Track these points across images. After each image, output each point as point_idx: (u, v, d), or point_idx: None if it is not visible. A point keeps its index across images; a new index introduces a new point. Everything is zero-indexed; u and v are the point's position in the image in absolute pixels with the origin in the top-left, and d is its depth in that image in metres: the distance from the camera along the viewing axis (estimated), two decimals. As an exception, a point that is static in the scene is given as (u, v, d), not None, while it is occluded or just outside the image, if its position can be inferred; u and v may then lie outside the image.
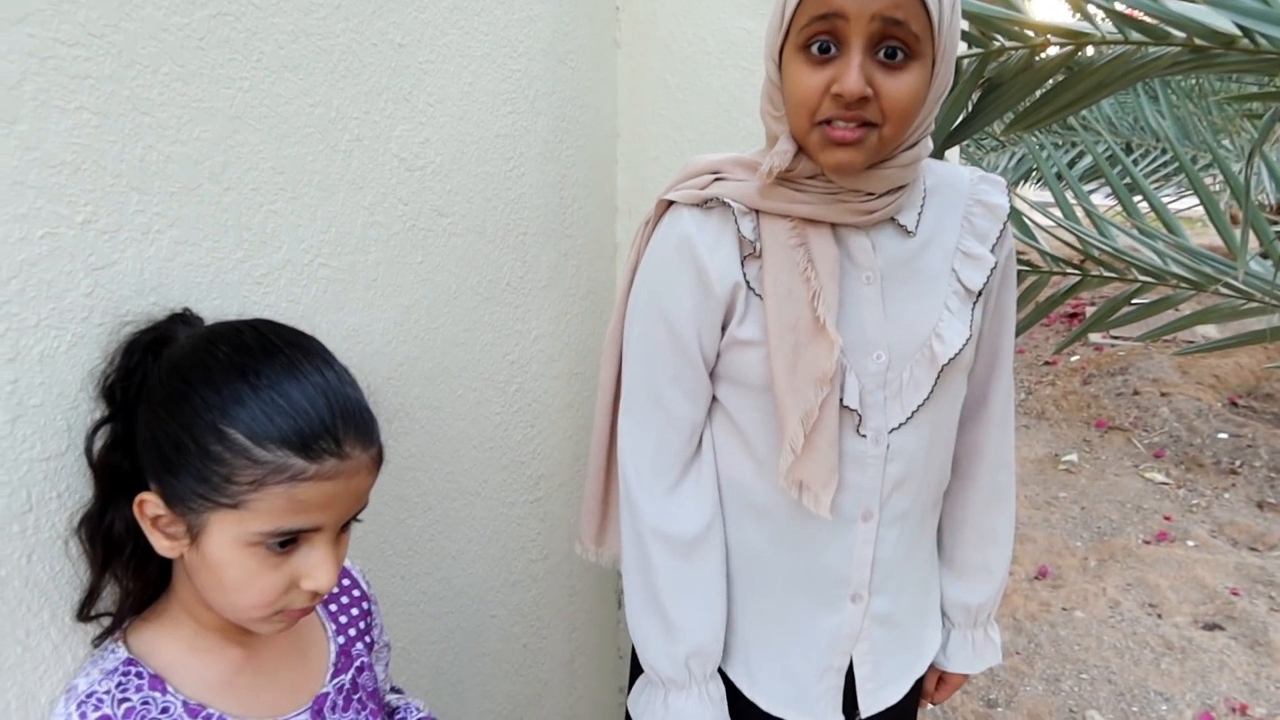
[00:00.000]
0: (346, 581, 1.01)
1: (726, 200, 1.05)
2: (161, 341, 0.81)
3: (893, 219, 1.07)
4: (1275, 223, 1.73)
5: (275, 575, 0.77)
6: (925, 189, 1.10)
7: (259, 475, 0.73)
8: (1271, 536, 3.51)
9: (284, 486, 0.74)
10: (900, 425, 1.08)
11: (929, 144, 1.04)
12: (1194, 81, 5.39)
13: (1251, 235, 1.81)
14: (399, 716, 1.04)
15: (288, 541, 0.76)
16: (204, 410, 0.74)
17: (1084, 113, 4.68)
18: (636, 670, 1.32)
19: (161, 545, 0.78)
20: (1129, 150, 4.94)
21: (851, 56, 0.91)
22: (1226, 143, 4.15)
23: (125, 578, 0.82)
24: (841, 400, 1.05)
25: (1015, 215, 1.97)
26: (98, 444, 0.80)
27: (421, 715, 1.05)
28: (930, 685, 1.31)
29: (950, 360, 1.07)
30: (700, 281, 1.06)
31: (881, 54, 0.92)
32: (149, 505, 0.77)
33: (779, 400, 1.04)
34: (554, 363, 1.54)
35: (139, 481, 0.78)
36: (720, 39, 1.57)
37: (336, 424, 0.76)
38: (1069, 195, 2.05)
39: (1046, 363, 5.70)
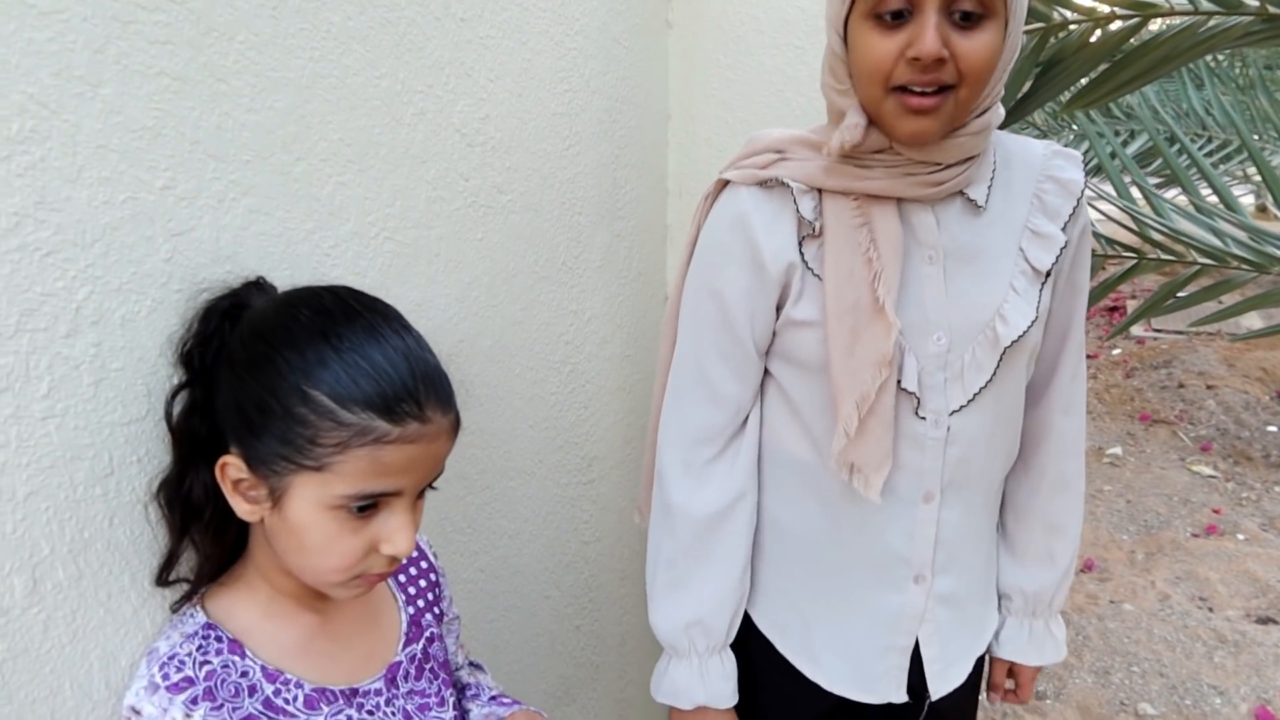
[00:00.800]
0: (415, 554, 1.01)
1: (786, 180, 1.04)
2: (239, 308, 0.81)
3: (961, 193, 1.04)
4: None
5: (355, 539, 0.77)
6: (995, 162, 1.07)
7: (344, 437, 0.73)
8: (1325, 530, 3.43)
9: (368, 449, 0.74)
10: (961, 408, 1.06)
11: (1000, 112, 1.02)
12: (1240, 68, 5.29)
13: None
14: (470, 693, 1.04)
15: (368, 506, 0.76)
16: (288, 372, 0.74)
17: (1129, 102, 4.60)
18: None
19: (243, 509, 0.78)
20: (1172, 141, 4.85)
21: (927, 17, 0.89)
22: (1270, 129, 4.06)
23: (204, 543, 0.82)
24: (900, 382, 1.04)
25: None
26: (176, 409, 0.80)
27: (493, 693, 1.05)
28: (999, 677, 1.27)
29: (1014, 343, 1.04)
30: (754, 261, 1.05)
31: (957, 16, 0.90)
32: (231, 468, 0.77)
33: (834, 382, 1.03)
34: (606, 344, 1.54)
35: (218, 446, 0.79)
36: (773, 17, 1.56)
37: (418, 387, 0.76)
38: (1125, 178, 2.01)
39: (1089, 356, 5.61)
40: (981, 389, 1.06)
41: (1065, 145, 4.55)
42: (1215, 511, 3.65)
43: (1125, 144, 4.33)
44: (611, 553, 1.64)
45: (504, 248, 1.25)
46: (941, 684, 1.17)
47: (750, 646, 1.20)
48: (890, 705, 1.18)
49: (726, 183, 1.09)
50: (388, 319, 0.79)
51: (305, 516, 0.76)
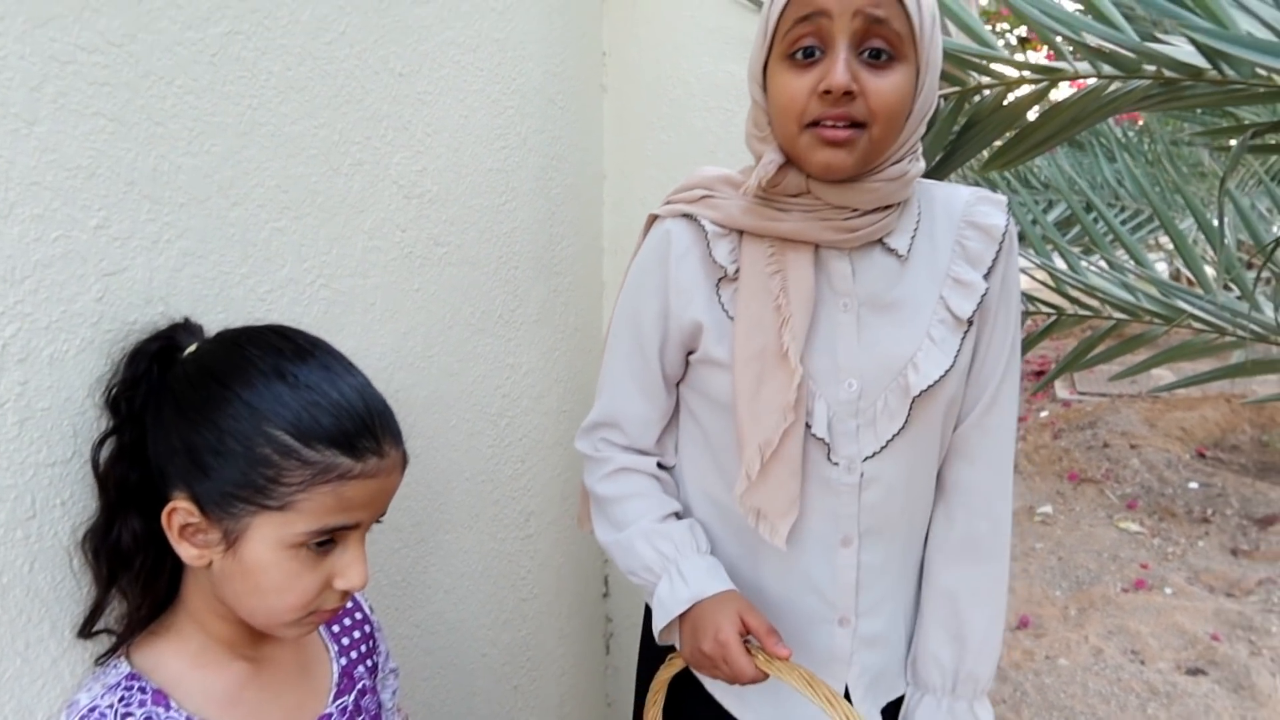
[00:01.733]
0: (350, 604, 0.99)
1: (703, 223, 1.06)
2: (170, 349, 0.80)
3: (881, 242, 1.05)
4: (1248, 264, 1.78)
5: (312, 576, 0.77)
6: (920, 212, 1.08)
7: (307, 476, 0.73)
8: (1247, 582, 3.53)
9: (331, 486, 0.74)
10: (875, 454, 1.06)
11: (920, 165, 1.04)
12: (1149, 144, 5.58)
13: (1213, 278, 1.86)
14: None
15: (326, 541, 0.76)
16: (247, 413, 0.74)
17: (1048, 174, 4.81)
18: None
19: (189, 554, 0.77)
20: (1088, 209, 5.08)
21: (837, 53, 0.92)
22: (1178, 198, 4.28)
23: (133, 593, 0.80)
24: (810, 428, 1.04)
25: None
26: (103, 455, 0.79)
27: None
28: None
29: (925, 391, 1.03)
30: (667, 291, 1.08)
31: (866, 54, 0.93)
32: (179, 513, 0.75)
33: (739, 425, 1.04)
34: (543, 399, 1.54)
35: (151, 492, 0.77)
36: (705, 82, 1.62)
37: (375, 423, 0.77)
38: (1046, 246, 2.10)
39: (1018, 418, 5.75)
40: (894, 436, 1.05)
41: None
42: (1143, 566, 3.74)
43: (1045, 211, 4.52)
44: (550, 610, 1.62)
45: (440, 299, 1.26)
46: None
47: (679, 688, 1.19)
48: None
49: (656, 216, 1.14)
50: (335, 356, 0.80)
51: (264, 556, 0.75)
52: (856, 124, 0.94)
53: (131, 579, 0.80)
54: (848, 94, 0.92)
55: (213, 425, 0.74)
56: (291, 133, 0.97)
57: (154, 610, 0.82)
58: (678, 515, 1.14)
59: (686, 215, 1.08)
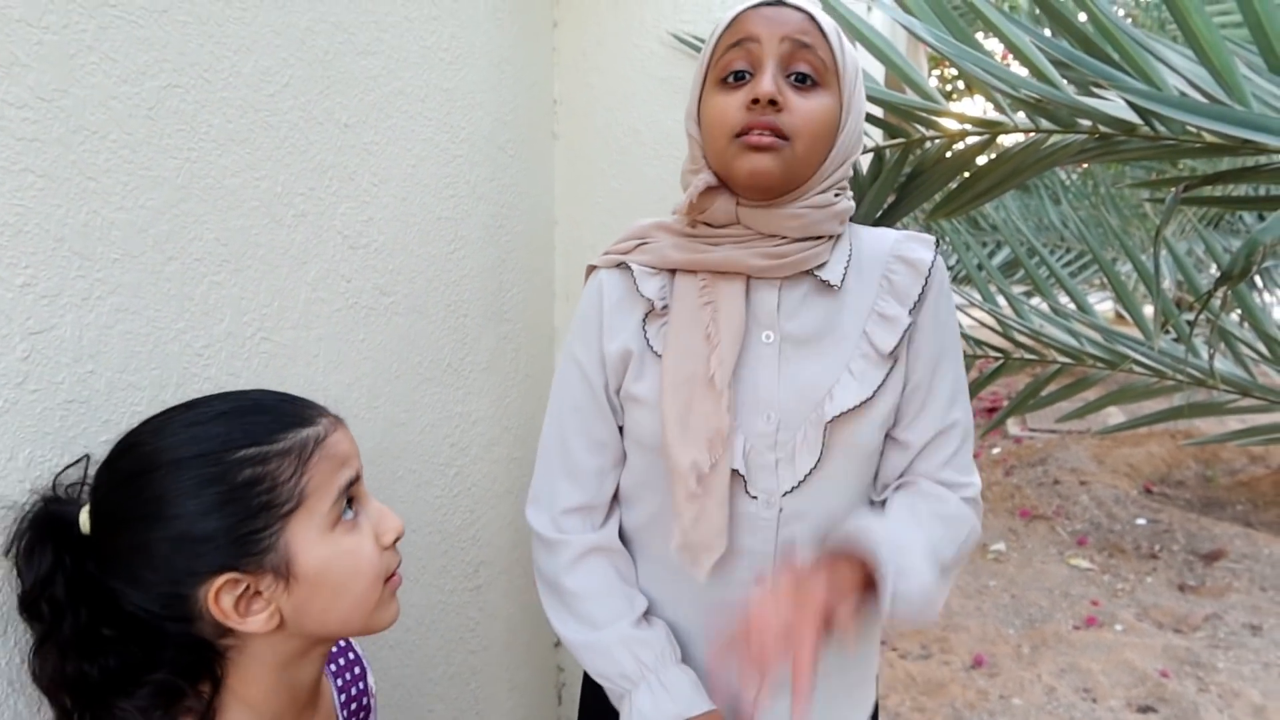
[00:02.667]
0: (359, 669, 1.01)
1: (632, 266, 1.09)
2: (63, 526, 0.74)
3: (812, 273, 1.05)
4: (1189, 306, 1.83)
5: (364, 542, 0.79)
6: (851, 250, 1.09)
7: (294, 460, 0.75)
8: (1194, 618, 3.58)
9: (317, 454, 0.76)
10: (794, 489, 1.05)
11: (850, 203, 1.06)
12: (1091, 187, 5.73)
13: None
14: None
15: (349, 508, 0.79)
16: (201, 463, 0.72)
17: (995, 218, 4.92)
18: None
19: (259, 623, 0.74)
20: (1032, 253, 5.20)
21: (766, 69, 0.97)
22: (1117, 243, 4.41)
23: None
24: (731, 465, 1.03)
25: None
26: (42, 665, 0.73)
27: None
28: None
29: (838, 419, 1.02)
30: (602, 335, 1.10)
31: (793, 77, 0.98)
32: (226, 592, 0.72)
33: (669, 453, 1.03)
34: (493, 447, 1.53)
35: (150, 640, 0.73)
36: (654, 129, 1.63)
37: (295, 400, 0.80)
38: (990, 287, 2.14)
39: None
40: (811, 470, 1.04)
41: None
42: (1094, 603, 3.78)
43: (991, 255, 4.61)
44: (500, 662, 1.59)
45: (387, 349, 1.24)
46: None
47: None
48: None
49: (594, 267, 1.15)
50: (221, 391, 0.82)
51: (320, 554, 0.76)
52: (781, 136, 0.97)
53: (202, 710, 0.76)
54: (773, 103, 0.96)
55: (180, 501, 0.71)
56: (232, 185, 0.96)
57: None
58: (647, 612, 1.13)
59: (620, 265, 1.11)
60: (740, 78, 0.98)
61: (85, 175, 0.80)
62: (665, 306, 1.07)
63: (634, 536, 1.14)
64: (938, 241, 1.10)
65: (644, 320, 1.08)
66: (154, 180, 0.86)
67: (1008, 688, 3.13)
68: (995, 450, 5.88)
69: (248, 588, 0.73)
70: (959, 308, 2.22)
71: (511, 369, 1.56)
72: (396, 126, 1.22)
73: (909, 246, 1.08)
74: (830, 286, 1.05)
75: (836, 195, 1.04)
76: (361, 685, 1.00)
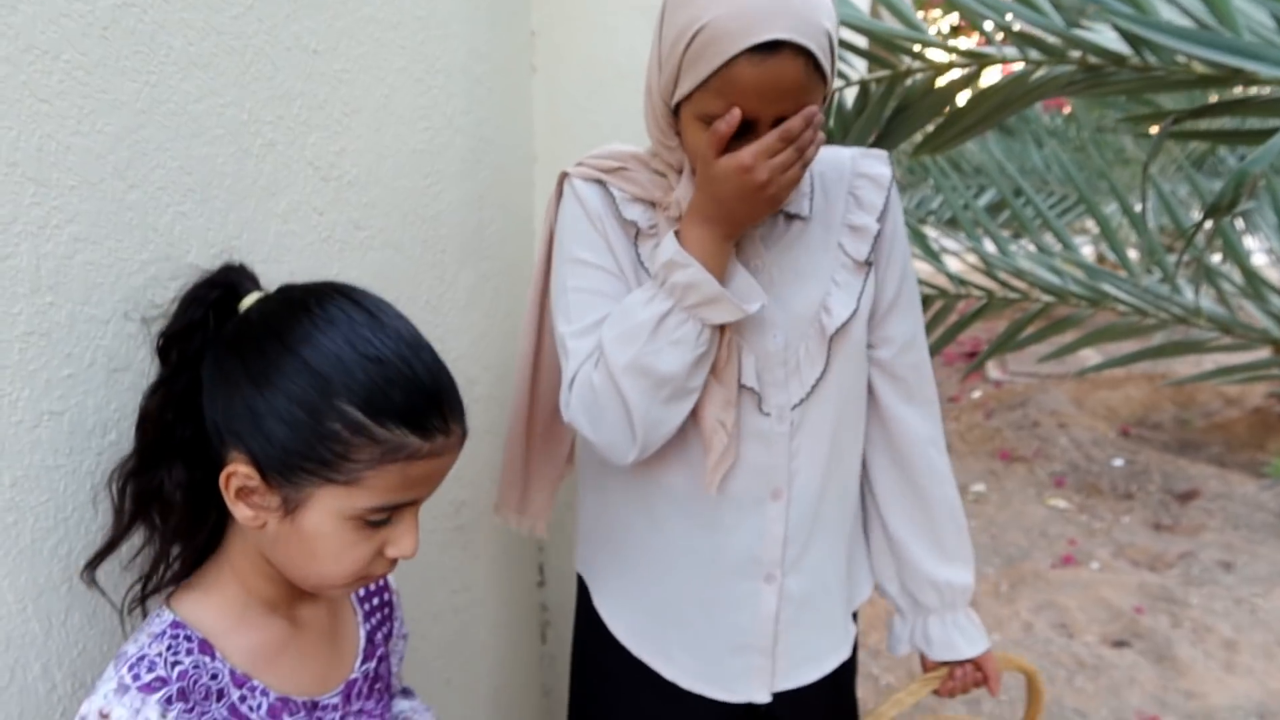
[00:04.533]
0: None
1: (613, 190, 1.10)
2: (227, 299, 0.79)
3: (782, 211, 1.11)
4: (1169, 248, 1.82)
5: (367, 545, 0.77)
6: (812, 174, 1.13)
7: (377, 454, 0.73)
8: (1169, 556, 3.64)
9: (399, 465, 0.74)
10: (802, 401, 1.11)
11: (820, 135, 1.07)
12: (1075, 131, 5.70)
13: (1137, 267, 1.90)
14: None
15: (384, 518, 0.76)
16: (316, 383, 0.72)
17: (979, 158, 4.88)
18: (577, 706, 1.30)
19: (245, 515, 0.76)
20: (1018, 194, 5.17)
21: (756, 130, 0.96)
22: (1103, 183, 4.39)
23: (174, 543, 0.80)
24: (740, 380, 1.08)
25: (920, 240, 2.03)
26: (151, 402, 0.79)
27: None
28: (949, 686, 1.24)
29: (839, 330, 1.10)
30: (604, 235, 1.10)
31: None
32: (238, 478, 0.74)
33: None
34: (473, 385, 1.51)
35: (200, 445, 0.77)
36: (635, 62, 1.59)
37: (444, 400, 0.77)
38: (975, 230, 2.12)
39: (951, 399, 5.86)
40: (818, 380, 1.11)
41: (922, 198, 4.73)
42: (1071, 542, 3.83)
43: (976, 196, 4.59)
44: (483, 602, 1.59)
45: (362, 284, 1.20)
46: (786, 681, 1.18)
47: (606, 655, 1.22)
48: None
49: (566, 175, 1.15)
50: (406, 325, 0.78)
51: (322, 526, 0.75)
52: None
53: (171, 528, 0.79)
54: None
55: (278, 390, 0.73)
56: (195, 111, 0.92)
57: (191, 562, 0.82)
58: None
59: (598, 181, 1.11)
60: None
61: (37, 97, 0.76)
62: (654, 226, 1.09)
63: (644, 466, 1.14)
64: (890, 156, 1.17)
65: (635, 241, 1.10)
66: (111, 104, 0.83)
67: (986, 624, 3.16)
68: (976, 394, 5.92)
69: (257, 488, 0.75)
70: (943, 251, 2.20)
71: (491, 307, 1.54)
72: (368, 54, 1.18)
73: (867, 164, 1.15)
74: (800, 218, 1.12)
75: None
76: (381, 581, 1.00)
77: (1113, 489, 4.36)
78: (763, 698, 1.18)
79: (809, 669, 1.20)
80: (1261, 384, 5.39)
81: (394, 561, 0.81)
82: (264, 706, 0.80)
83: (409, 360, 0.75)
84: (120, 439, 0.85)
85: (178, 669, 0.75)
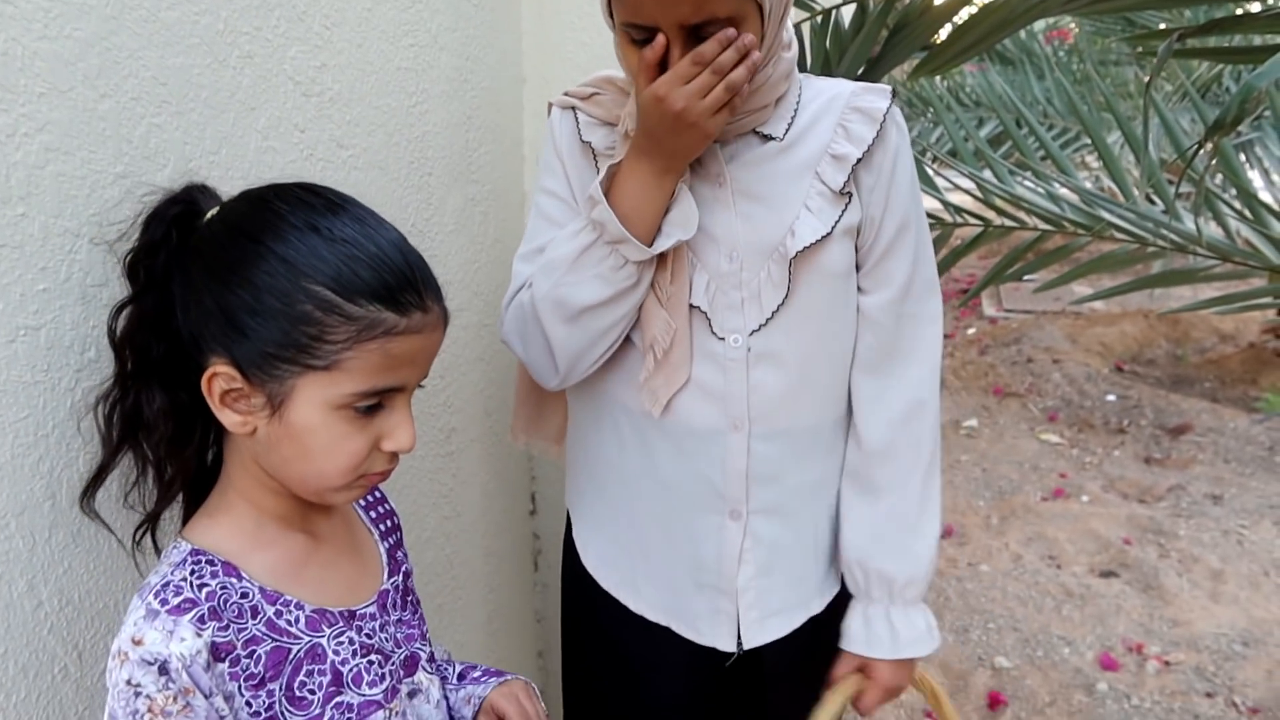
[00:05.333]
0: (378, 493, 1.01)
1: (579, 115, 1.11)
2: (188, 215, 0.78)
3: (755, 130, 1.07)
4: (1171, 182, 1.79)
5: (361, 437, 0.76)
6: (801, 101, 1.09)
7: (352, 332, 0.72)
8: (1158, 489, 3.67)
9: (378, 343, 0.73)
10: (761, 327, 1.07)
11: (787, 60, 1.05)
12: (1077, 64, 5.61)
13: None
14: (454, 670, 1.04)
15: (373, 405, 0.75)
16: (283, 269, 0.71)
17: (980, 90, 4.81)
18: (567, 643, 1.31)
19: (233, 421, 0.75)
20: (1019, 124, 5.11)
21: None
22: (1105, 116, 4.34)
23: (163, 466, 0.79)
24: (690, 299, 1.06)
25: (917, 168, 2.00)
26: (120, 324, 0.78)
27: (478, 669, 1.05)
28: (839, 670, 1.15)
29: (803, 255, 1.04)
30: (566, 171, 1.13)
31: (701, 33, 0.93)
32: (220, 379, 0.74)
33: None
34: (463, 312, 1.49)
35: (177, 364, 0.77)
36: (627, -21, 1.54)
37: (415, 275, 0.76)
38: (974, 159, 2.09)
39: (946, 335, 5.85)
40: (779, 308, 1.06)
41: (922, 129, 4.66)
42: (1062, 476, 3.86)
43: (977, 128, 4.53)
44: (475, 528, 1.60)
45: (347, 206, 1.19)
46: (756, 634, 1.15)
47: (585, 588, 1.22)
48: (738, 669, 1.19)
49: (551, 105, 1.17)
50: (368, 211, 0.78)
51: (311, 418, 0.74)
52: None
53: (154, 450, 0.79)
54: None
55: (247, 283, 0.72)
56: (168, 19, 0.89)
57: (189, 487, 0.82)
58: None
59: (572, 108, 1.13)
60: (646, 41, 0.95)
61: (0, -3, 0.73)
62: (612, 147, 1.08)
63: (597, 385, 1.14)
64: (894, 92, 1.10)
65: (595, 164, 1.09)
66: (79, 8, 0.79)
67: (976, 555, 3.21)
68: (970, 330, 5.92)
69: (241, 390, 0.74)
70: (942, 182, 2.17)
71: (480, 232, 1.51)
72: (348, -35, 1.14)
73: (864, 97, 1.09)
74: (775, 139, 1.07)
75: (773, 64, 1.02)
76: (389, 505, 1.01)
77: (1105, 423, 4.38)
78: (728, 645, 1.15)
79: (777, 623, 1.15)
80: (1256, 321, 5.39)
81: (394, 457, 0.80)
82: (301, 620, 0.80)
83: (374, 238, 0.75)
84: (100, 356, 0.84)
85: (205, 590, 0.75)
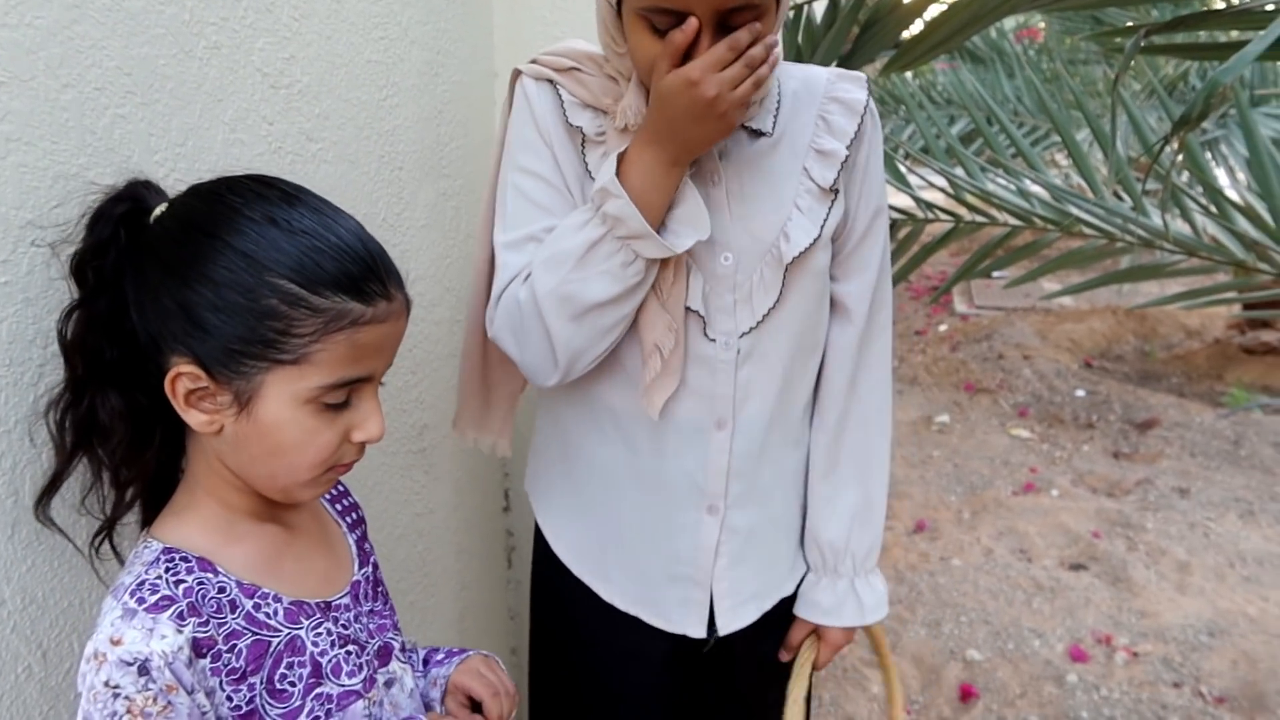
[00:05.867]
0: (341, 486, 1.00)
1: (561, 93, 1.06)
2: (135, 212, 0.76)
3: (742, 125, 1.06)
4: (1139, 179, 1.82)
5: (330, 430, 0.75)
6: (781, 92, 1.09)
7: (319, 324, 0.71)
8: (1126, 483, 3.72)
9: (345, 334, 0.72)
10: (751, 329, 1.07)
11: (776, 53, 1.02)
12: (1047, 63, 5.67)
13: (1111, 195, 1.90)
14: (420, 653, 1.04)
15: (341, 401, 0.75)
16: (244, 263, 0.70)
17: (952, 87, 4.84)
18: (536, 632, 1.31)
19: (199, 421, 0.74)
20: (990, 122, 5.15)
21: (700, 43, 0.91)
22: (1074, 113, 4.39)
23: (120, 470, 0.78)
24: (686, 302, 1.05)
25: (889, 165, 2.01)
26: (70, 328, 0.76)
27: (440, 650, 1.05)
28: (796, 638, 1.22)
29: (796, 259, 1.05)
30: (550, 141, 1.07)
31: (730, 21, 0.92)
32: (184, 379, 0.72)
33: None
34: (435, 308, 1.48)
35: (132, 365, 0.75)
36: (599, -27, 1.54)
37: (377, 264, 0.75)
38: (946, 156, 2.10)
39: (917, 332, 5.90)
40: (770, 310, 1.07)
41: (894, 126, 4.68)
42: (1032, 470, 3.90)
43: (949, 126, 4.56)
44: (447, 525, 1.59)
45: (316, 200, 1.18)
46: (731, 620, 1.17)
47: (555, 577, 1.22)
48: (710, 659, 1.19)
49: (519, 73, 1.11)
50: (324, 201, 0.76)
51: (280, 414, 0.73)
52: None
53: (115, 456, 0.77)
54: None
55: (207, 280, 0.71)
56: (132, 8, 0.87)
57: (149, 490, 0.81)
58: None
59: (550, 81, 1.07)
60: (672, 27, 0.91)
61: (-42, -17, 0.72)
62: (602, 133, 1.04)
63: (579, 381, 1.12)
64: (868, 80, 1.10)
65: (582, 147, 1.05)
66: (40, -5, 0.78)
67: (948, 550, 3.24)
68: (942, 327, 5.96)
69: (206, 389, 0.73)
70: (914, 178, 2.19)
71: (452, 227, 1.50)
72: (317, -44, 1.13)
73: (842, 87, 1.09)
74: (762, 134, 1.06)
75: None
76: (351, 499, 1.00)
77: (1074, 419, 4.43)
78: (698, 632, 1.16)
79: (750, 608, 1.17)
80: (1222, 317, 5.47)
81: (362, 448, 0.80)
82: (279, 612, 0.79)
83: (333, 229, 0.74)
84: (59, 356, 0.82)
85: (182, 586, 0.73)
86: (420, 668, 1.02)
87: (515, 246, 1.05)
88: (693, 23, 0.89)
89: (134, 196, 0.78)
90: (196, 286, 0.71)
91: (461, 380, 1.27)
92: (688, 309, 1.05)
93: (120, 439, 0.77)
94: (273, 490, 0.79)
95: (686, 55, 0.92)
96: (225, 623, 0.75)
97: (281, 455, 0.75)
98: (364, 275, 0.74)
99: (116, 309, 0.76)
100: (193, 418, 0.74)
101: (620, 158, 0.98)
